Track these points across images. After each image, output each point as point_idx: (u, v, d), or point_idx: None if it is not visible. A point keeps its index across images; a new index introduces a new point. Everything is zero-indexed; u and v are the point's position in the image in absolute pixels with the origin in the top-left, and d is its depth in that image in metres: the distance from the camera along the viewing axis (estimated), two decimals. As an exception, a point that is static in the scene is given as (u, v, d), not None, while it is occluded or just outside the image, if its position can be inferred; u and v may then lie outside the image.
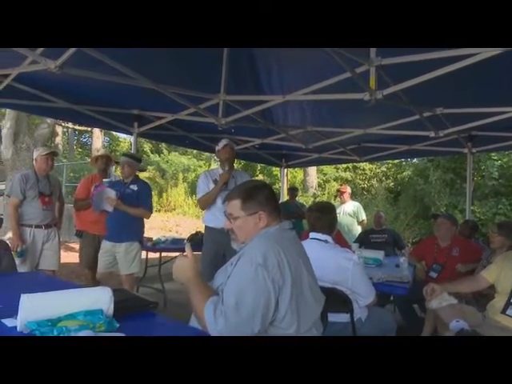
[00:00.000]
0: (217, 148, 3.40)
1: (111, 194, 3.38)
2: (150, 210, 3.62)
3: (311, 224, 2.30)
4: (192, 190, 13.62)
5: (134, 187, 3.48)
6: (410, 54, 2.36)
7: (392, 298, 3.80)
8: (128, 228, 3.41)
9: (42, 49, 2.37)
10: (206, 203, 3.33)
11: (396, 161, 12.58)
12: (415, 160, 11.74)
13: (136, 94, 3.37)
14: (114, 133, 17.63)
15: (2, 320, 1.35)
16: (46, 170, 3.48)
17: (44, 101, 3.44)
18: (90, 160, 15.61)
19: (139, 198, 3.46)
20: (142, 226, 3.62)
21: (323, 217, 2.23)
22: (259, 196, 1.44)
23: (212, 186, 3.30)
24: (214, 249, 3.29)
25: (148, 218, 3.67)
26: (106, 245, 3.47)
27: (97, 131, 16.20)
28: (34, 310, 1.23)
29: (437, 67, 2.38)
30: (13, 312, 1.33)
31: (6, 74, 2.92)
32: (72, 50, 2.19)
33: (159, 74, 2.92)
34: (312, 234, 2.20)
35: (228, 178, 3.21)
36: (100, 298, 1.31)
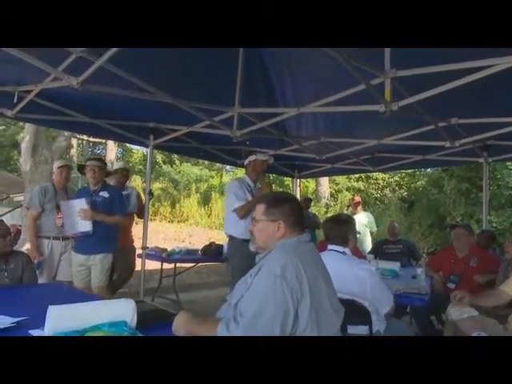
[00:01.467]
0: (254, 157, 3.42)
1: (81, 203, 3.07)
2: (126, 216, 3.51)
3: (325, 234, 2.33)
4: (205, 200, 13.70)
5: (105, 194, 3.25)
6: (425, 65, 2.38)
7: (409, 310, 3.75)
8: (102, 239, 3.20)
9: (64, 66, 2.46)
10: (248, 211, 3.16)
11: (409, 170, 12.48)
12: (429, 169, 11.63)
13: (152, 107, 3.44)
14: (128, 144, 17.88)
15: (30, 331, 1.38)
16: (61, 182, 3.56)
17: (64, 115, 3.53)
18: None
19: (113, 206, 3.27)
20: (117, 235, 3.40)
21: (335, 227, 2.24)
22: (283, 206, 1.49)
23: (248, 194, 3.29)
24: (245, 261, 3.06)
25: (126, 225, 3.62)
26: (78, 258, 3.26)
27: (110, 143, 16.43)
28: (61, 322, 1.27)
29: (452, 79, 2.39)
30: (39, 323, 1.37)
31: (29, 90, 3.02)
32: (94, 67, 2.26)
33: (176, 88, 2.98)
34: (330, 246, 2.21)
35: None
36: (124, 310, 1.34)
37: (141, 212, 4.25)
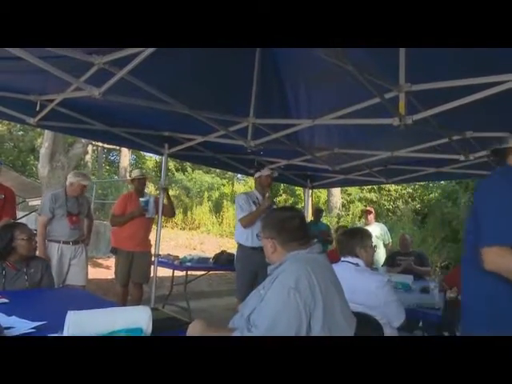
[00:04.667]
0: (258, 174, 3.76)
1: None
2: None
3: (338, 248, 2.37)
4: (216, 208, 13.77)
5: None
6: (439, 80, 2.39)
7: (421, 324, 3.71)
8: None
9: (86, 76, 2.53)
10: (250, 222, 3.55)
11: (423, 182, 12.36)
12: (442, 181, 11.50)
13: (168, 117, 3.50)
14: (141, 151, 18.11)
15: (48, 335, 1.42)
16: (79, 194, 3.70)
17: (82, 123, 3.62)
18: (117, 177, 15.92)
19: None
20: None
21: (345, 241, 2.27)
22: (275, 224, 1.53)
23: (253, 206, 3.63)
24: (249, 267, 3.51)
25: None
26: None
27: (124, 150, 16.71)
28: (80, 327, 1.30)
29: (467, 93, 2.39)
30: (57, 328, 1.40)
31: (51, 99, 3.11)
32: (115, 78, 2.33)
33: (192, 98, 3.04)
34: (343, 258, 2.22)
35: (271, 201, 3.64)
36: (140, 317, 1.37)
37: (170, 210, 4.41)
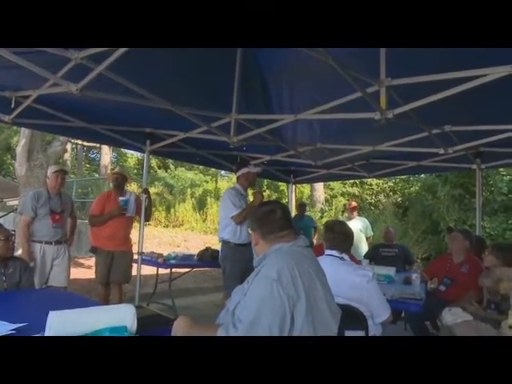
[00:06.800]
0: (246, 170, 3.72)
1: None
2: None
3: (324, 241, 2.36)
4: (200, 205, 13.69)
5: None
6: (419, 75, 2.42)
7: (403, 315, 3.78)
8: None
9: (63, 72, 2.48)
10: (244, 218, 3.48)
11: (403, 176, 12.57)
12: (423, 175, 11.72)
13: (149, 113, 3.45)
14: (122, 149, 17.83)
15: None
16: (56, 187, 3.58)
17: (61, 120, 3.53)
18: (98, 175, 15.65)
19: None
20: None
21: (338, 237, 2.27)
22: (257, 219, 1.57)
23: (243, 202, 3.60)
24: (237, 265, 3.44)
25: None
26: None
27: (105, 147, 16.39)
28: (62, 327, 1.27)
29: (446, 87, 2.43)
30: (39, 329, 1.37)
31: (26, 96, 3.02)
32: (93, 74, 2.28)
33: (174, 94, 3.00)
34: (327, 251, 2.24)
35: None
36: (124, 315, 1.35)
37: (148, 214, 4.28)
